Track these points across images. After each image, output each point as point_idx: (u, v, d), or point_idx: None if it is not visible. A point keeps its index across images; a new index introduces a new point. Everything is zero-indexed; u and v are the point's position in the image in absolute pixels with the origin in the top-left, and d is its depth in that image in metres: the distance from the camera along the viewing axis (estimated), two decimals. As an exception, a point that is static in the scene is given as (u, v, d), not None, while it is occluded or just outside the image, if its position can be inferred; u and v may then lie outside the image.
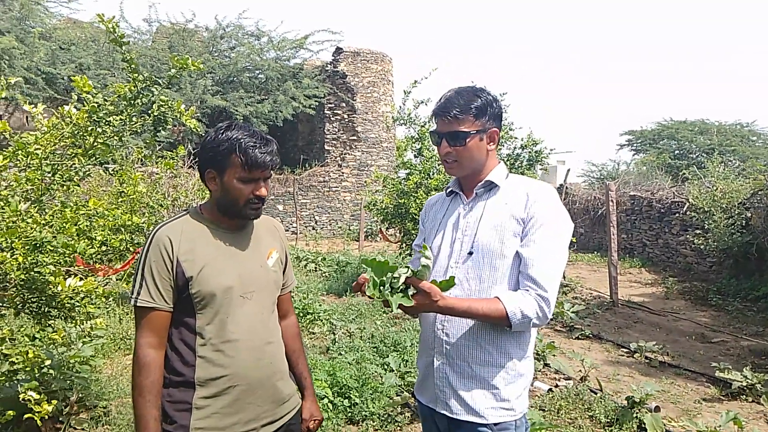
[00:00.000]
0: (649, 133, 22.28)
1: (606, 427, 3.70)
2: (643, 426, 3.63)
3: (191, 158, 10.28)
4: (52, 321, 2.97)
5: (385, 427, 3.61)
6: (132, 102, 2.81)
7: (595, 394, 4.15)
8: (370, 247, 14.77)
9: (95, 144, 2.77)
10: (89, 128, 2.72)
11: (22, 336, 3.36)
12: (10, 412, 2.36)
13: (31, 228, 2.48)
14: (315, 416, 1.84)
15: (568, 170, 12.44)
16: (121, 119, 2.80)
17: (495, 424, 1.58)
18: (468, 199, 1.72)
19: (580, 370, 4.71)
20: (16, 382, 2.88)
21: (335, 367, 4.12)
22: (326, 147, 18.34)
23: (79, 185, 2.90)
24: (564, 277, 9.63)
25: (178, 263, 1.54)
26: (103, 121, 2.73)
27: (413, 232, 7.24)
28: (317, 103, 17.81)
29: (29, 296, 2.71)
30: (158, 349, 1.54)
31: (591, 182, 19.85)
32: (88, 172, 2.90)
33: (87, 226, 2.96)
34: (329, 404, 3.70)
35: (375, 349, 5.07)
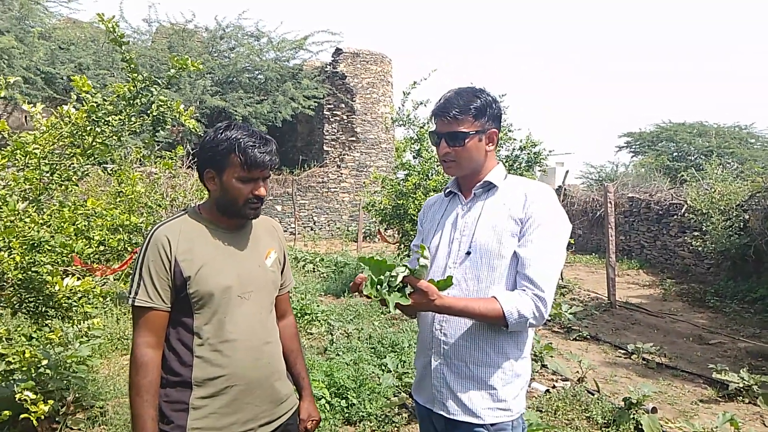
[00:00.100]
0: (647, 135, 22.34)
1: (603, 428, 3.70)
2: (640, 427, 3.63)
3: (190, 158, 10.27)
4: (50, 321, 2.96)
5: (383, 427, 3.61)
6: (131, 102, 2.81)
7: (593, 395, 4.15)
8: (368, 247, 14.77)
9: (94, 144, 2.77)
10: (88, 128, 2.72)
11: (19, 336, 3.36)
12: (6, 412, 2.36)
13: (29, 227, 2.48)
14: (313, 416, 1.84)
15: (567, 172, 12.46)
16: (120, 119, 2.80)
17: (492, 425, 1.58)
18: (466, 200, 1.72)
19: (578, 371, 4.72)
20: (12, 381, 2.88)
21: (333, 368, 4.12)
22: (325, 148, 18.34)
23: (77, 185, 2.90)
24: (562, 279, 9.64)
25: (176, 263, 1.54)
26: (102, 120, 2.73)
27: (412, 233, 7.25)
28: (316, 104, 17.82)
29: (26, 296, 2.70)
30: (156, 348, 1.54)
31: (589, 184, 19.90)
32: (86, 172, 2.89)
33: (85, 225, 2.96)
34: (326, 405, 3.70)
35: (373, 350, 5.07)
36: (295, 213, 16.62)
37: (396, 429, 3.63)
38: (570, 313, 6.59)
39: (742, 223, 8.79)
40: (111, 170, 3.24)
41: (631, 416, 3.72)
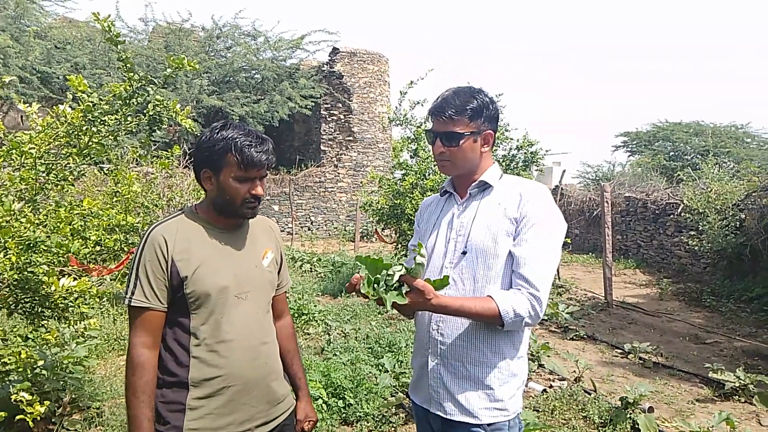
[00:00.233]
0: (644, 135, 22.39)
1: (600, 428, 3.71)
2: (636, 426, 3.64)
3: (186, 158, 10.26)
4: (46, 321, 2.96)
5: (380, 427, 3.61)
6: (127, 101, 2.81)
7: (589, 394, 4.16)
8: (365, 247, 14.77)
9: (90, 143, 2.76)
10: (84, 128, 2.71)
11: (15, 336, 3.34)
12: (2, 414, 2.35)
13: (25, 228, 2.47)
14: (310, 417, 1.84)
15: (564, 171, 12.50)
16: (116, 119, 2.79)
17: (489, 425, 1.58)
18: (462, 200, 1.73)
19: (575, 371, 4.72)
20: (8, 382, 2.87)
21: (330, 368, 4.11)
22: (322, 147, 18.34)
23: (73, 185, 2.89)
24: (559, 278, 9.66)
25: (173, 263, 1.53)
26: (98, 120, 2.72)
27: (409, 232, 7.25)
28: (313, 104, 17.80)
29: (22, 296, 2.69)
30: (152, 349, 1.53)
31: (586, 183, 19.92)
32: (82, 172, 2.89)
33: (81, 225, 2.96)
34: (324, 405, 3.70)
35: (370, 350, 5.07)
36: (292, 213, 16.61)
37: (393, 429, 3.63)
38: (567, 313, 6.60)
39: (738, 223, 8.81)
40: (107, 170, 3.23)
41: (628, 416, 3.73)
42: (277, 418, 1.69)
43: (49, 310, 2.80)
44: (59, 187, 2.76)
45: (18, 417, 2.35)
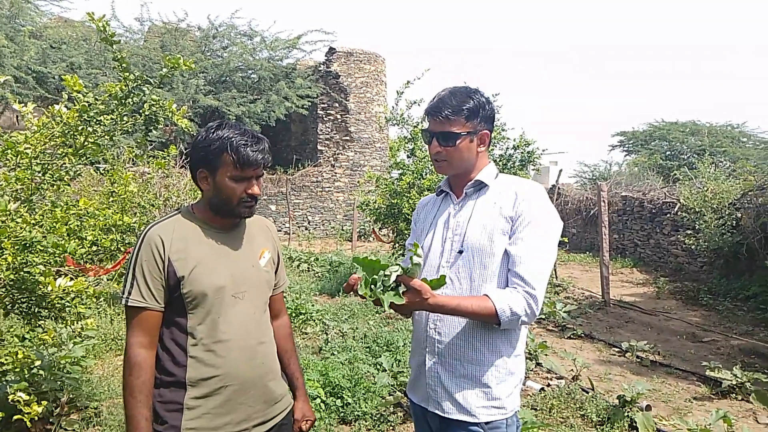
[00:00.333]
0: (640, 134, 22.44)
1: (597, 426, 3.72)
2: (634, 425, 3.65)
3: (183, 158, 10.25)
4: (43, 321, 2.95)
5: (378, 426, 3.61)
6: (123, 101, 2.80)
7: (587, 393, 4.17)
8: (363, 247, 14.77)
9: (86, 143, 2.76)
10: (80, 127, 2.71)
11: (12, 336, 3.34)
12: None
13: (21, 228, 2.46)
14: (307, 416, 1.84)
15: (561, 171, 12.49)
16: (112, 119, 2.79)
17: (486, 423, 1.58)
18: (458, 199, 1.73)
19: (572, 370, 4.73)
20: (5, 383, 2.86)
21: (328, 367, 4.11)
22: (319, 147, 18.32)
23: (69, 185, 2.89)
24: (556, 277, 9.67)
25: (170, 262, 1.53)
26: (94, 120, 2.72)
27: (406, 232, 7.25)
28: (310, 103, 17.79)
29: (19, 296, 2.69)
30: (149, 348, 1.53)
31: (583, 183, 19.97)
32: (78, 172, 2.88)
33: (77, 225, 2.95)
34: (322, 404, 3.70)
35: (368, 349, 5.07)
36: (290, 212, 16.59)
37: (391, 428, 3.63)
38: (564, 312, 6.61)
39: (734, 222, 8.84)
40: (103, 170, 3.23)
41: (626, 414, 3.73)
42: (274, 417, 1.69)
43: (46, 310, 2.79)
44: (55, 187, 2.76)
45: (15, 417, 2.34)
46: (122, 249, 3.46)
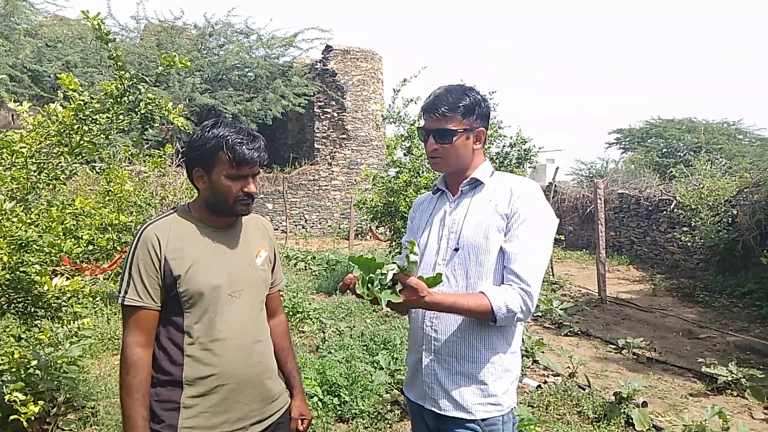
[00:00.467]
0: (637, 132, 22.45)
1: (594, 423, 3.73)
2: (630, 421, 3.67)
3: (179, 157, 10.22)
4: (39, 321, 2.94)
5: (375, 424, 3.62)
6: (119, 100, 2.79)
7: (584, 390, 4.18)
8: (360, 245, 14.77)
9: (82, 142, 2.75)
10: (76, 126, 2.70)
11: (8, 336, 3.33)
12: (-4, 413, 2.34)
13: (17, 227, 2.46)
14: (304, 415, 1.84)
15: (557, 168, 12.52)
16: (107, 117, 2.78)
17: (483, 420, 1.59)
18: (454, 197, 1.74)
19: (569, 367, 4.75)
20: (1, 383, 2.86)
21: (325, 366, 4.11)
22: (316, 145, 18.30)
23: (65, 184, 2.88)
24: (553, 275, 9.69)
25: (166, 261, 1.53)
26: (90, 119, 2.71)
27: (403, 230, 7.26)
28: (307, 102, 17.75)
29: (15, 296, 2.68)
30: (146, 348, 1.53)
31: (580, 180, 19.97)
32: (74, 171, 2.87)
33: (73, 225, 2.94)
34: (319, 402, 3.70)
35: (365, 347, 5.08)
36: (286, 211, 16.57)
37: (388, 426, 3.64)
38: (561, 309, 6.63)
39: (730, 219, 8.87)
40: (99, 169, 3.22)
41: (622, 410, 3.75)
42: (271, 416, 1.69)
43: (42, 310, 2.79)
44: (51, 186, 2.75)
45: (12, 417, 2.34)
46: (118, 248, 3.45)
